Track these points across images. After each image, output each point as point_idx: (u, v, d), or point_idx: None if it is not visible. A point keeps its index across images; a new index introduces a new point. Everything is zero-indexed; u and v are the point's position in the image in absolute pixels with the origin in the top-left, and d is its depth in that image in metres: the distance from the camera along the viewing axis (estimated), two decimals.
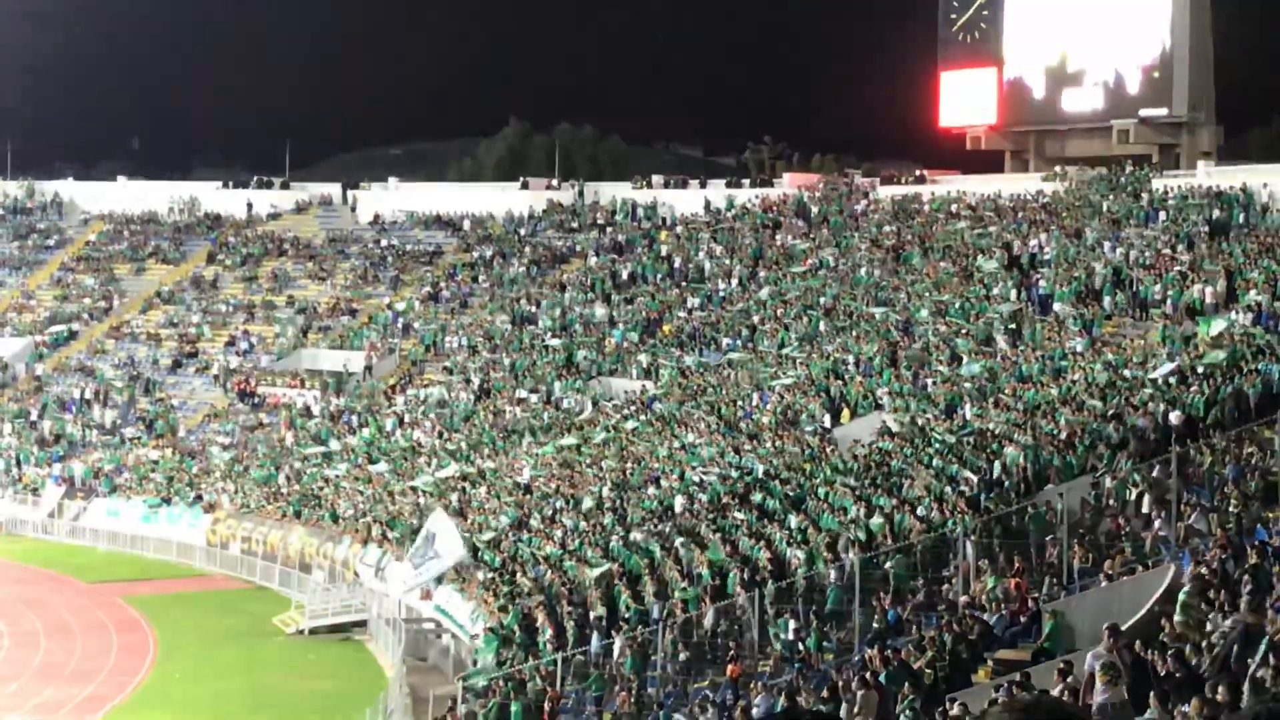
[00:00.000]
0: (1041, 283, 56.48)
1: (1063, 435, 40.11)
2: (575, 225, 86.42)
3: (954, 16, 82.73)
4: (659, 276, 75.96)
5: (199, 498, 68.02)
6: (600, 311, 73.42)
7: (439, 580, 49.34)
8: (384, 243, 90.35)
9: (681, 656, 36.99)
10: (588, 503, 50.20)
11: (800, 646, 34.16)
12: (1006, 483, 38.90)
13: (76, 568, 64.68)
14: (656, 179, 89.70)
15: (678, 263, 76.38)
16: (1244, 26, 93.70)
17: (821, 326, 61.55)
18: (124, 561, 66.20)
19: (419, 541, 48.76)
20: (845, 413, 51.09)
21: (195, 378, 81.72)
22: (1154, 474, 34.74)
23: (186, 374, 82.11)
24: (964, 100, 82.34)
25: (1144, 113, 74.64)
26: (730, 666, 34.19)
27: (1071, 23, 77.44)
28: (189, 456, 73.35)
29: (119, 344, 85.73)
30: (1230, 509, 31.22)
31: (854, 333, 59.16)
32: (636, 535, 45.47)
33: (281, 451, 70.62)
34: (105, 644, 51.95)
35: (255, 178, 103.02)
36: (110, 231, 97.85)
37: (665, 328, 68.98)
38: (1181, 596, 24.82)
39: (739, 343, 63.91)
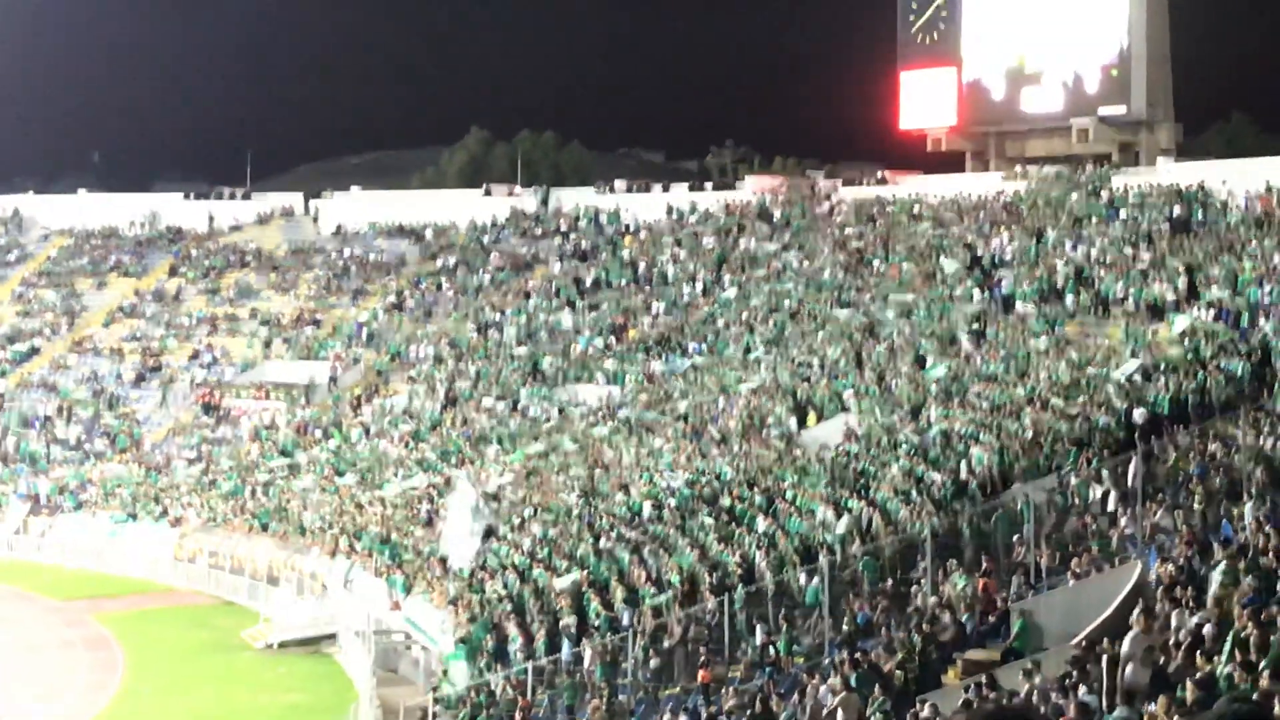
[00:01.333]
0: (1004, 283, 56.68)
1: (1028, 435, 40.25)
2: (539, 232, 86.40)
3: (912, 18, 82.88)
4: (623, 282, 75.99)
5: (165, 512, 67.71)
6: (565, 318, 73.38)
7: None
8: (347, 253, 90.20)
9: (652, 663, 36.97)
10: (548, 512, 50.15)
11: (771, 650, 34.18)
12: (973, 483, 39.03)
13: (43, 585, 64.28)
14: (619, 184, 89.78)
15: (642, 268, 76.42)
16: (1201, 25, 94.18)
17: (787, 330, 61.62)
18: (91, 578, 65.83)
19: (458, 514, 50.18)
20: (811, 416, 51.16)
21: (159, 392, 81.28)
22: (1119, 471, 34.90)
23: (150, 388, 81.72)
24: (924, 101, 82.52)
25: (1103, 111, 74.90)
26: (701, 672, 34.20)
27: (1029, 23, 77.70)
28: (154, 471, 73.03)
29: (81, 359, 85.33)
30: (1195, 505, 31.36)
31: (819, 335, 59.26)
32: (605, 542, 45.46)
33: (247, 464, 70.35)
34: (74, 661, 51.66)
35: (217, 189, 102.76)
36: (71, 246, 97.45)
37: (631, 333, 68.99)
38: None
39: (704, 347, 63.98)
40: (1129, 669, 22.18)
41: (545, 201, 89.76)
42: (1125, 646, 22.53)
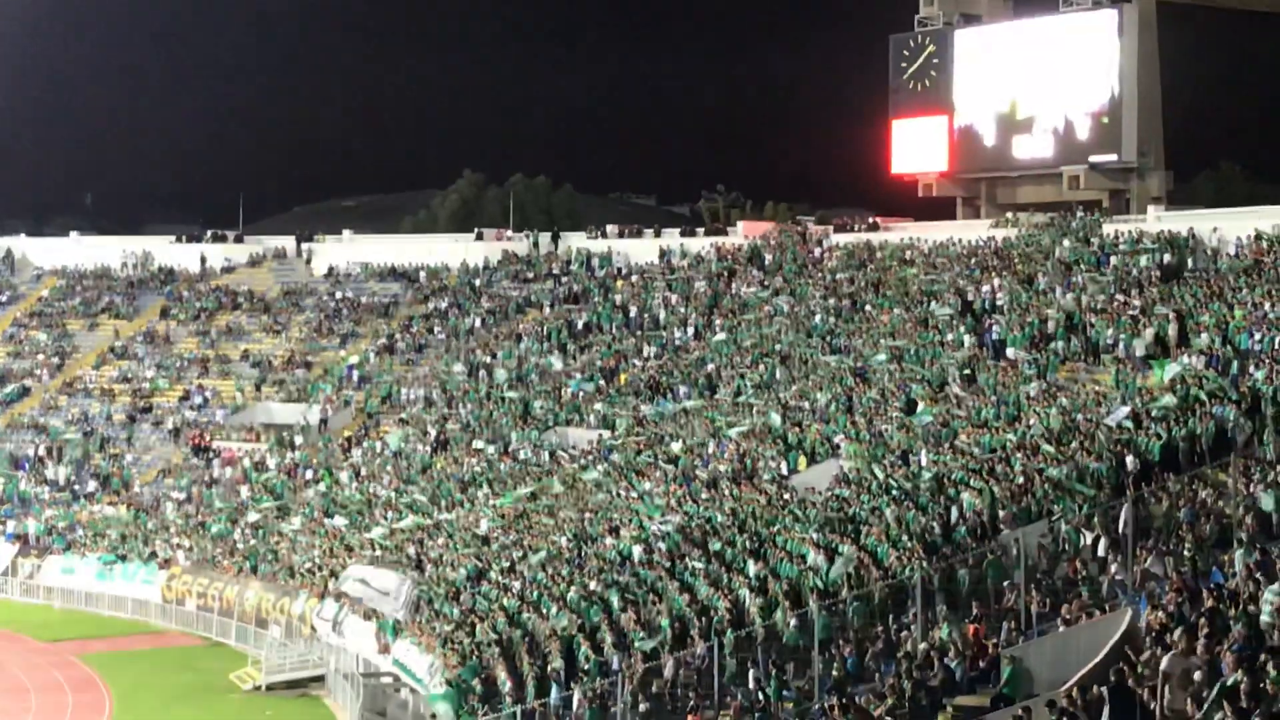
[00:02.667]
0: (995, 328, 56.75)
1: (1018, 480, 40.25)
2: (530, 275, 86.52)
3: (904, 65, 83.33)
4: (615, 326, 76.07)
5: (154, 554, 67.55)
6: (556, 361, 73.40)
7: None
8: (339, 295, 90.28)
9: (642, 708, 36.83)
10: (540, 555, 50.04)
11: (761, 695, 34.09)
12: (963, 528, 39.01)
13: (31, 626, 64.12)
14: (611, 229, 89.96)
15: (633, 312, 76.51)
16: (1191, 73, 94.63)
17: (777, 374, 61.65)
18: (79, 619, 65.68)
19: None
20: (802, 460, 51.14)
21: (150, 433, 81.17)
22: (1109, 518, 34.89)
23: (141, 429, 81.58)
24: (915, 148, 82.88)
25: (1094, 159, 75.26)
26: (691, 717, 34.10)
27: (1021, 70, 78.13)
28: (143, 512, 72.90)
29: (72, 400, 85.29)
30: (1185, 552, 31.35)
31: (810, 380, 59.30)
32: (595, 585, 45.37)
33: (237, 506, 70.23)
34: (60, 703, 51.48)
35: (209, 231, 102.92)
36: (63, 287, 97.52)
37: (622, 377, 68.99)
38: None
39: (695, 391, 63.98)
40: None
41: (556, 239, 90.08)
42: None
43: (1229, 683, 21.03)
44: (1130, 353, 49.37)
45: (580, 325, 77.36)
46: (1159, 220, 65.42)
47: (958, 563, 36.48)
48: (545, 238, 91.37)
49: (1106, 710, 22.28)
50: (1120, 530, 33.80)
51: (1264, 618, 24.78)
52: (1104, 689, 22.88)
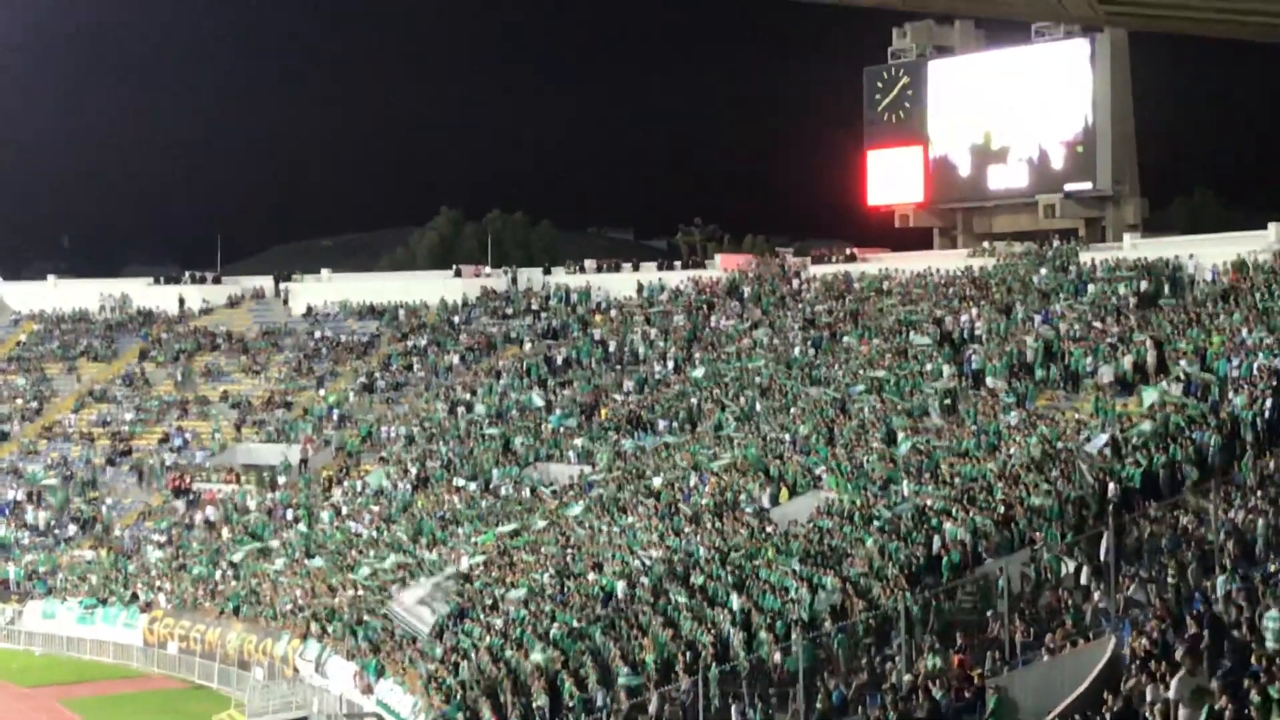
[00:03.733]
0: (974, 358, 56.88)
1: (1000, 509, 40.30)
2: (509, 311, 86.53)
3: (878, 97, 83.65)
4: (594, 361, 76.08)
5: (135, 597, 67.28)
6: (536, 397, 73.34)
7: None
8: (318, 334, 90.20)
9: None
10: (522, 592, 49.93)
11: None
12: (946, 559, 39.04)
13: (12, 671, 63.76)
14: (589, 263, 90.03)
15: (612, 347, 76.54)
16: (1164, 100, 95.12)
17: (758, 406, 61.67)
18: (61, 664, 65.35)
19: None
20: (784, 492, 51.15)
21: (129, 476, 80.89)
22: (1091, 545, 34.95)
23: (120, 472, 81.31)
24: (891, 179, 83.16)
25: (1069, 187, 75.60)
26: None
27: (994, 101, 78.49)
28: (124, 556, 72.62)
29: (51, 444, 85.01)
30: (1168, 579, 31.41)
31: (790, 412, 59.33)
32: (578, 622, 45.27)
33: (217, 548, 69.98)
34: None
35: (187, 273, 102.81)
36: (41, 331, 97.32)
37: (602, 412, 68.96)
38: None
39: (676, 424, 63.97)
40: (1180, 713, 22.14)
41: (547, 272, 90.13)
42: (1172, 692, 22.56)
43: (1216, 707, 21.09)
44: (1111, 377, 49.50)
45: (560, 360, 77.34)
46: (1135, 248, 65.68)
47: (941, 593, 36.50)
48: (536, 272, 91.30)
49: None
50: (1103, 558, 33.85)
51: (1270, 642, 24.89)
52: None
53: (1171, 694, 22.63)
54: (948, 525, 40.48)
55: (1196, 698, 22.08)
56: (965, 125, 79.82)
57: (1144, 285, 59.06)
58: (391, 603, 54.76)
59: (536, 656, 43.70)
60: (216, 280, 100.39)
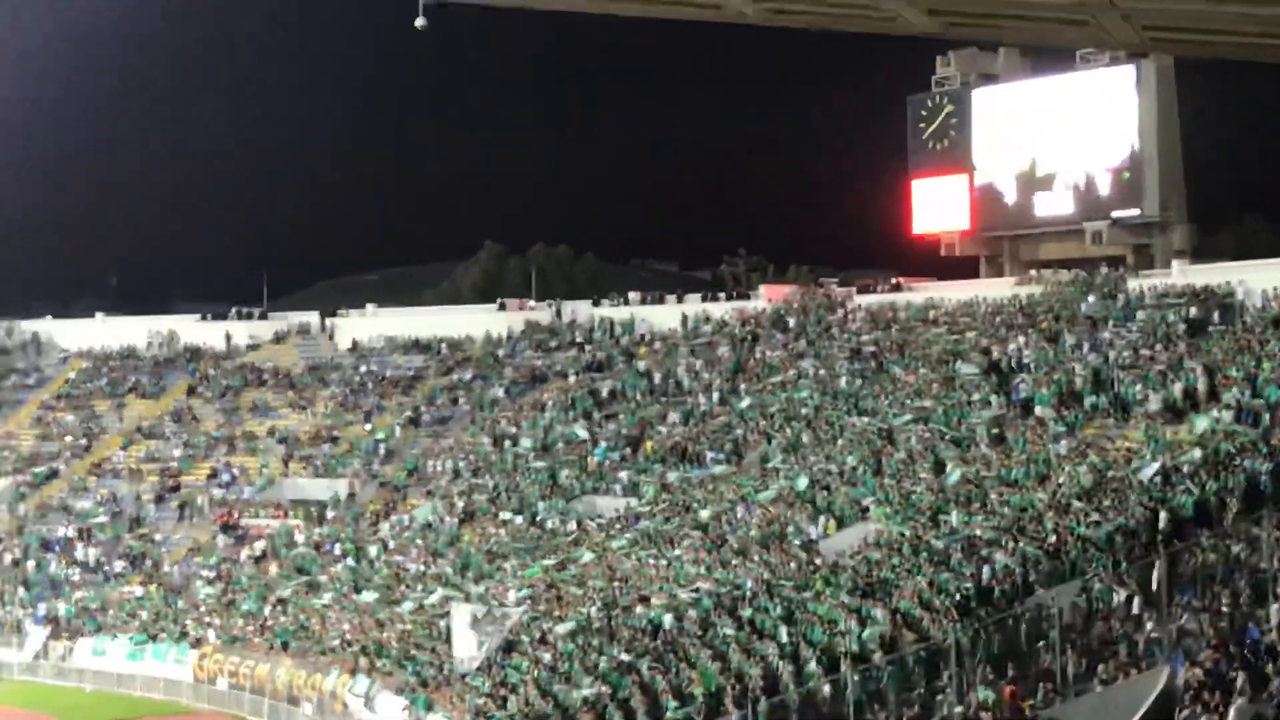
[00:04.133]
0: (1022, 386, 56.58)
1: (1050, 539, 40.02)
2: (554, 344, 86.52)
3: (923, 125, 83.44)
4: (639, 393, 75.97)
5: (185, 633, 67.46)
6: (582, 430, 73.29)
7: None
8: (363, 369, 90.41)
9: None
10: (570, 625, 49.85)
11: None
12: (996, 589, 38.77)
13: (64, 709, 64.01)
14: (633, 295, 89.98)
15: (657, 379, 76.44)
16: (1212, 126, 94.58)
17: (804, 438, 61.48)
18: (112, 700, 65.54)
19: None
20: (831, 524, 50.94)
21: (177, 512, 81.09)
22: (1143, 575, 34.66)
23: (168, 509, 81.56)
24: (936, 207, 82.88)
25: (1116, 214, 75.16)
26: None
27: (1039, 128, 78.13)
28: (173, 592, 72.82)
29: (100, 481, 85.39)
30: (1221, 608, 31.11)
31: (837, 443, 59.12)
32: (625, 655, 45.15)
33: (266, 583, 70.11)
34: None
35: (234, 309, 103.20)
36: (89, 369, 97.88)
37: (648, 444, 68.84)
38: None
39: (722, 456, 63.80)
40: None
41: (597, 303, 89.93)
42: (1231, 717, 22.35)
43: None
44: (1160, 404, 49.19)
45: (605, 393, 77.27)
46: (1184, 274, 65.27)
47: (991, 624, 36.25)
48: (580, 305, 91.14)
49: None
50: (1154, 587, 33.57)
51: None
52: None
53: (1231, 718, 22.39)
54: (998, 555, 40.22)
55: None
56: (1010, 152, 79.49)
57: (1193, 312, 58.68)
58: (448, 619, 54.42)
59: (585, 690, 43.61)
60: (263, 316, 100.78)
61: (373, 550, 68.79)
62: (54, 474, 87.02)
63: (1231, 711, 22.61)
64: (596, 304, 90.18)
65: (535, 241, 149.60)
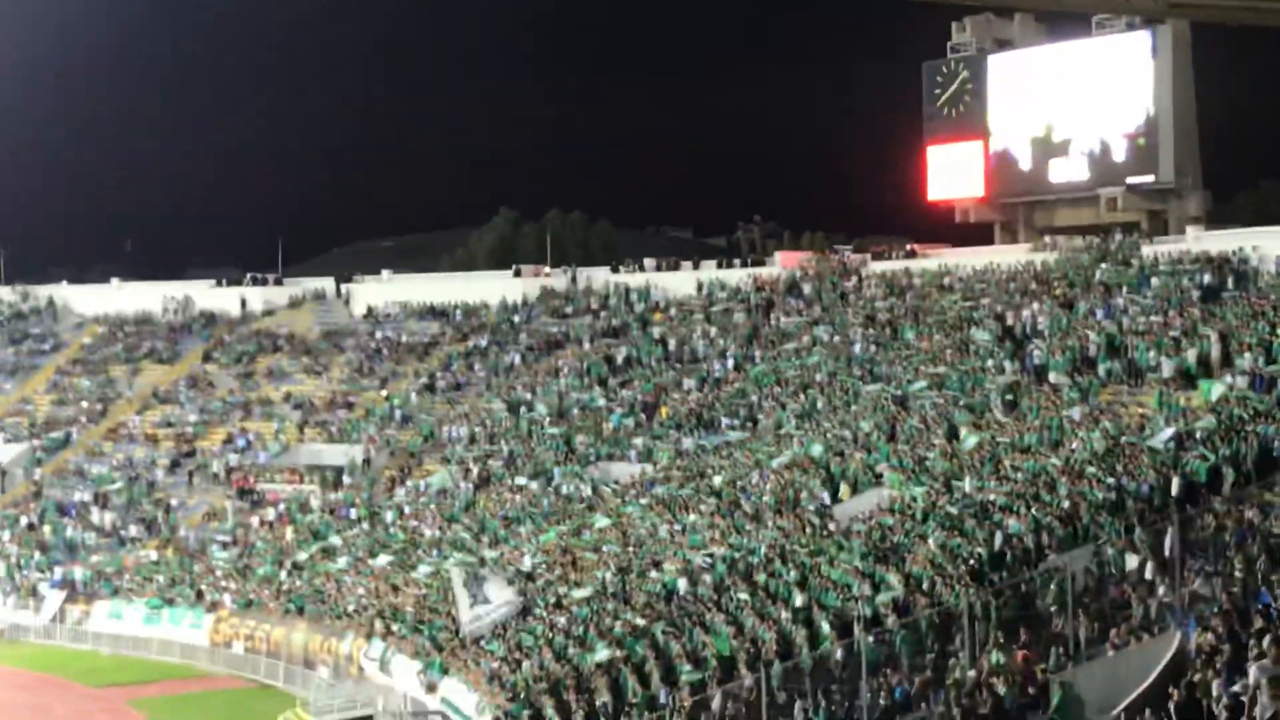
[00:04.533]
0: (1036, 353, 56.58)
1: (1064, 505, 40.08)
2: (569, 311, 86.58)
3: (938, 92, 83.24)
4: (654, 359, 76.04)
5: (200, 597, 67.80)
6: (597, 396, 73.41)
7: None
8: (379, 335, 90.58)
9: None
10: (585, 590, 50.05)
11: None
12: (1009, 554, 38.85)
13: (80, 672, 64.39)
14: (648, 262, 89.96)
15: (672, 345, 76.51)
16: (1227, 92, 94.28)
17: (819, 404, 61.56)
18: (128, 664, 65.92)
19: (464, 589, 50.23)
20: (845, 489, 51.03)
21: (194, 477, 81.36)
22: (1156, 540, 34.70)
23: (184, 474, 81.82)
24: (951, 174, 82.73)
25: (1131, 180, 74.98)
26: None
27: (1055, 94, 77.92)
28: (189, 556, 73.12)
29: (116, 446, 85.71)
30: (1234, 573, 31.17)
31: (851, 409, 59.20)
32: (640, 620, 45.31)
33: (282, 548, 70.39)
34: None
35: (249, 275, 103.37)
36: (105, 334, 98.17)
37: (663, 410, 68.95)
38: None
39: (737, 423, 63.90)
40: (1259, 702, 21.88)
41: (615, 269, 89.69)
42: (1250, 678, 22.32)
43: None
44: (1174, 370, 49.17)
45: (620, 360, 77.35)
46: (1198, 240, 65.17)
47: (1004, 588, 36.33)
48: (596, 271, 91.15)
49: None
50: (1167, 553, 33.63)
51: None
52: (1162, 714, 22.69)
53: (1250, 679, 22.35)
54: (1011, 521, 40.30)
55: (1276, 684, 21.79)
56: (1026, 119, 79.30)
57: (1207, 278, 58.61)
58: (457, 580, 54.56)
59: (600, 654, 43.80)
60: (278, 282, 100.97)
61: (388, 515, 69.02)
62: (69, 439, 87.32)
63: (1252, 669, 22.58)
64: (615, 270, 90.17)
65: (550, 208, 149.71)
